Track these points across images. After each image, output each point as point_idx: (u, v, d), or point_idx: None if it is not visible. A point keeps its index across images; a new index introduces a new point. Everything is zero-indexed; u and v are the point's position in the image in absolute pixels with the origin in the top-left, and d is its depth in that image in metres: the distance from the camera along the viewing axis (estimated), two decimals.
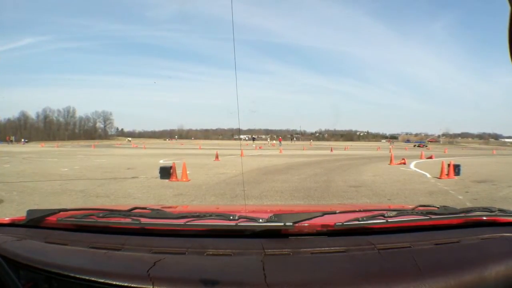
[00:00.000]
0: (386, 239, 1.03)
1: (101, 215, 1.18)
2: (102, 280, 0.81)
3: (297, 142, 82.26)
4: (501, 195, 6.89)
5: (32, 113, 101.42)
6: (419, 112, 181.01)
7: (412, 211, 1.19)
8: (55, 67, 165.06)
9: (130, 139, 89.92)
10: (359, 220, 1.08)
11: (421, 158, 18.72)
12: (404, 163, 14.48)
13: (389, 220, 1.12)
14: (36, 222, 1.18)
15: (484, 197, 6.60)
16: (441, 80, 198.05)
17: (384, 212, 1.15)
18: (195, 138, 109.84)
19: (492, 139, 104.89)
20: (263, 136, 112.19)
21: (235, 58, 1.50)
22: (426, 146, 57.50)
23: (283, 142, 51.65)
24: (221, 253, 0.95)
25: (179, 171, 8.97)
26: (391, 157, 15.25)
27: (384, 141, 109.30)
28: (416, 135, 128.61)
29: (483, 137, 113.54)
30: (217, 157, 16.70)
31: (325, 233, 1.07)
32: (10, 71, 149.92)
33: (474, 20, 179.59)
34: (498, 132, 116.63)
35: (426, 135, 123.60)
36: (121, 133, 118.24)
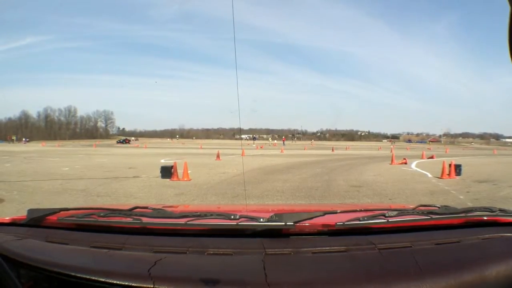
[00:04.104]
0: (387, 238, 1.02)
1: (102, 214, 1.18)
2: (103, 279, 0.81)
3: (298, 142, 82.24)
4: (502, 195, 6.87)
5: (33, 113, 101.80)
6: (421, 112, 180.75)
7: (413, 211, 1.18)
8: (56, 67, 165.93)
9: (133, 138, 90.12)
10: (360, 220, 1.07)
11: (422, 158, 18.71)
12: (405, 163, 14.47)
13: (390, 220, 1.11)
14: (36, 221, 1.18)
15: (485, 197, 6.59)
16: (442, 80, 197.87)
17: (385, 211, 1.15)
18: (196, 138, 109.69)
19: (493, 139, 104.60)
20: (265, 136, 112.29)
21: (235, 57, 1.50)
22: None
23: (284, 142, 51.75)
24: (222, 252, 0.95)
25: (180, 171, 8.98)
26: (392, 157, 15.25)
27: (385, 141, 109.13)
28: (417, 135, 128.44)
29: (484, 137, 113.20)
30: (218, 156, 16.72)
31: (326, 233, 1.07)
32: (11, 70, 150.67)
33: (475, 20, 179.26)
34: (499, 132, 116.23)
35: (428, 135, 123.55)
36: (123, 133, 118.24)
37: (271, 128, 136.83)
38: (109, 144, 56.45)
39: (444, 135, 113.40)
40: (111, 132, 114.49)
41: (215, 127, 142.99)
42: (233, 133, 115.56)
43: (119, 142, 63.76)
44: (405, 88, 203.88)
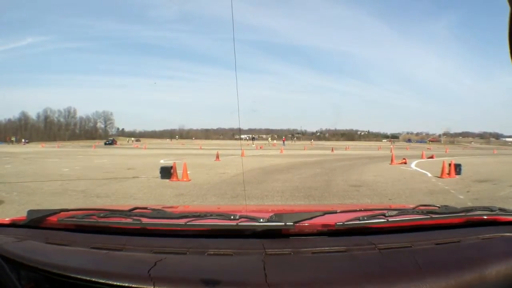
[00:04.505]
0: (387, 238, 1.02)
1: (101, 215, 1.18)
2: (103, 281, 0.81)
3: (298, 142, 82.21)
4: (502, 195, 6.87)
5: (32, 114, 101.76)
6: (420, 112, 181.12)
7: (413, 211, 1.18)
8: (56, 67, 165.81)
9: (133, 139, 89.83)
10: (360, 220, 1.07)
11: (422, 157, 18.71)
12: (405, 163, 14.48)
13: (390, 220, 1.11)
14: (36, 222, 1.18)
15: (485, 197, 6.59)
16: (442, 80, 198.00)
17: (385, 211, 1.15)
18: (196, 138, 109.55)
19: (493, 139, 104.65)
20: (264, 136, 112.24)
21: (235, 58, 1.50)
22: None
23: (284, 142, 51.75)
24: (221, 253, 0.95)
25: (179, 171, 8.97)
26: (392, 157, 15.25)
27: (385, 140, 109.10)
28: (417, 134, 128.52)
29: (484, 137, 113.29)
30: (217, 157, 16.70)
31: (326, 233, 1.07)
32: (11, 71, 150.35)
33: (475, 20, 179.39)
34: (499, 131, 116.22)
35: (427, 135, 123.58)
36: (122, 133, 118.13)
37: (271, 128, 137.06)
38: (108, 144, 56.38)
39: (444, 134, 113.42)
40: (110, 133, 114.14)
41: (215, 127, 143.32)
42: (233, 134, 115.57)
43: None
44: (405, 88, 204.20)
